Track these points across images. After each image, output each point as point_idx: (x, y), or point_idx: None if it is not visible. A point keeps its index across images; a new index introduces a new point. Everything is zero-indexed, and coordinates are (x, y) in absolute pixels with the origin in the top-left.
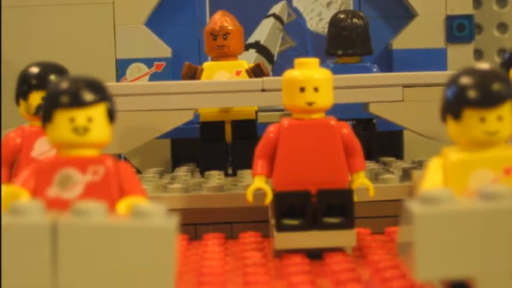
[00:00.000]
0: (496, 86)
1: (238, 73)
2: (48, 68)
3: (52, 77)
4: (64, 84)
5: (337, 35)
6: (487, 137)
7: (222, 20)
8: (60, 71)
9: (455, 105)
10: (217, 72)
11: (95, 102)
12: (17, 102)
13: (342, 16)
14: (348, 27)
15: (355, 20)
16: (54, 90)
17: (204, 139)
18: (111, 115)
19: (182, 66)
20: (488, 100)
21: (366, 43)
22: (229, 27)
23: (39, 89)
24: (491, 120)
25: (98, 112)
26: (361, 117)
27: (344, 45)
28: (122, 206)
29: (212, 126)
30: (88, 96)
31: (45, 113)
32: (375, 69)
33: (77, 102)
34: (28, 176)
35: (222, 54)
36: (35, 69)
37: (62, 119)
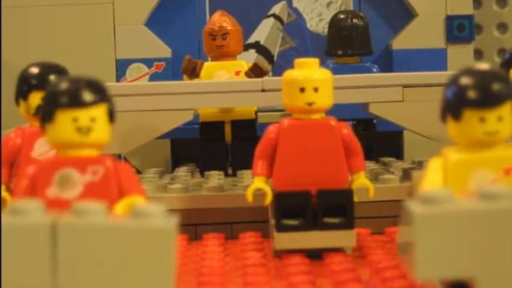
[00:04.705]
0: (496, 86)
1: (237, 73)
2: (48, 68)
3: (52, 77)
4: (65, 84)
5: (337, 35)
6: (487, 137)
7: (220, 20)
8: (60, 71)
9: (455, 106)
10: (217, 72)
11: (97, 102)
12: (17, 102)
13: (342, 16)
14: (347, 28)
15: (355, 20)
16: (55, 90)
17: (203, 139)
18: (111, 115)
19: (182, 60)
20: (488, 100)
21: (366, 43)
22: (228, 27)
23: (39, 89)
24: (491, 120)
25: (100, 112)
26: (362, 117)
27: (344, 45)
28: (121, 206)
29: (212, 126)
30: (90, 96)
31: (46, 113)
32: (374, 70)
33: (80, 102)
34: (26, 185)
35: (221, 54)
36: (35, 70)
37: (65, 119)
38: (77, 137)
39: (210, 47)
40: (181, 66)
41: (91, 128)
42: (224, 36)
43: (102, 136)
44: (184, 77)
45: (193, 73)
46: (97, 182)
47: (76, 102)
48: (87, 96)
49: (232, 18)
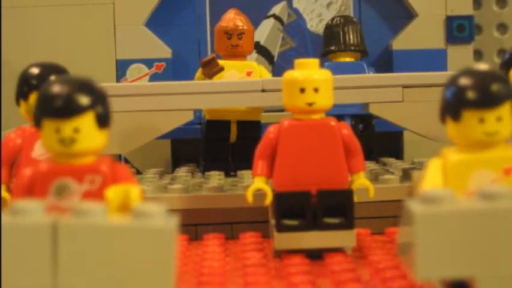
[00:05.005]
0: (495, 87)
1: (249, 74)
2: (49, 68)
3: (52, 78)
4: (51, 91)
5: (330, 34)
6: (487, 138)
7: (236, 19)
8: (60, 71)
9: (454, 106)
10: (228, 71)
11: (80, 111)
12: (17, 102)
13: (335, 19)
14: (340, 26)
15: (347, 23)
16: (42, 97)
17: (208, 138)
18: (101, 120)
19: (210, 55)
20: (488, 101)
21: (360, 41)
22: (244, 27)
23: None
24: (491, 120)
25: (85, 121)
26: (358, 113)
27: (337, 41)
28: (113, 190)
29: (219, 125)
30: (74, 107)
31: (36, 120)
32: (368, 68)
33: (63, 114)
34: (23, 190)
35: (235, 54)
36: (35, 70)
37: (49, 129)
38: (61, 148)
39: (224, 45)
40: (203, 59)
41: (75, 139)
42: (240, 36)
43: (88, 145)
44: (198, 73)
45: (208, 69)
46: (95, 191)
47: (59, 113)
48: (71, 106)
49: (246, 17)
